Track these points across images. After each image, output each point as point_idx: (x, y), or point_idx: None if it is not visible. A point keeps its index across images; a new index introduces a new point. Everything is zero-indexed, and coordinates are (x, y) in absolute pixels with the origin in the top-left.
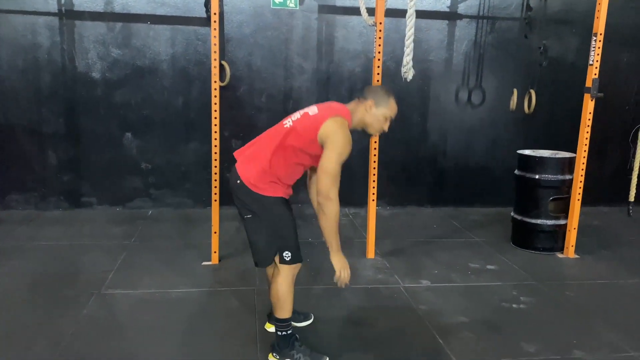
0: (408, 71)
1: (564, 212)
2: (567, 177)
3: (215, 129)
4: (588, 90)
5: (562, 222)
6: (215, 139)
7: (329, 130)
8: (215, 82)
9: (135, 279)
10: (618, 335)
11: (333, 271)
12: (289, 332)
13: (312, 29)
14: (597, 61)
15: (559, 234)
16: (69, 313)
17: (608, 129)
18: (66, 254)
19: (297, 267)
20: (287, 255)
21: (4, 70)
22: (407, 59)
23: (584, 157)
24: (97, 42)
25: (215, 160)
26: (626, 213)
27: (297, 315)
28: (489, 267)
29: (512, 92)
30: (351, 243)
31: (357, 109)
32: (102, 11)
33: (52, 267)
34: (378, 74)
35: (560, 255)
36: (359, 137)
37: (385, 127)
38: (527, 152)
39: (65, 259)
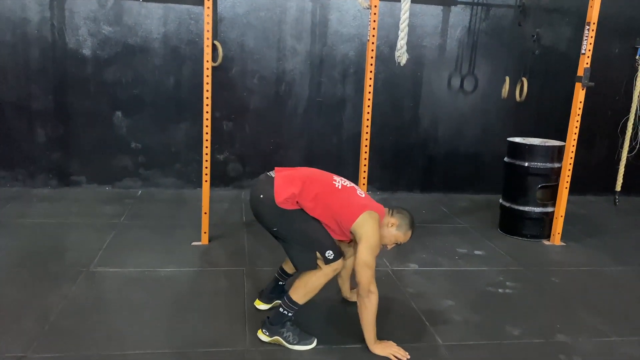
0: (402, 55)
1: (552, 200)
2: (556, 165)
3: (207, 109)
4: (579, 79)
5: (549, 209)
6: (207, 119)
7: (365, 225)
8: (207, 61)
9: (124, 258)
10: (600, 320)
11: None
12: (289, 314)
13: (306, 10)
14: (589, 50)
15: (546, 221)
16: (57, 290)
17: (598, 119)
18: (55, 231)
19: (339, 264)
20: (329, 254)
21: None
22: (402, 42)
23: (573, 145)
24: (87, 19)
25: (207, 141)
26: (613, 202)
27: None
28: (476, 252)
29: (505, 80)
30: None
31: (385, 217)
32: None
33: (40, 245)
34: (372, 57)
35: (546, 242)
36: (352, 122)
37: (389, 247)
38: (517, 139)
39: (54, 236)
